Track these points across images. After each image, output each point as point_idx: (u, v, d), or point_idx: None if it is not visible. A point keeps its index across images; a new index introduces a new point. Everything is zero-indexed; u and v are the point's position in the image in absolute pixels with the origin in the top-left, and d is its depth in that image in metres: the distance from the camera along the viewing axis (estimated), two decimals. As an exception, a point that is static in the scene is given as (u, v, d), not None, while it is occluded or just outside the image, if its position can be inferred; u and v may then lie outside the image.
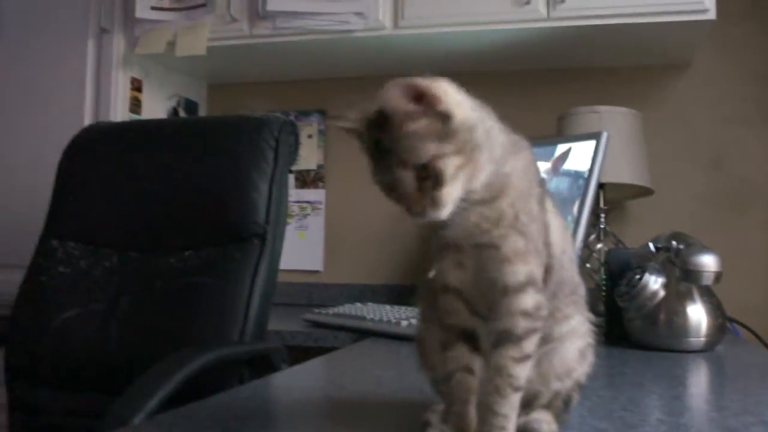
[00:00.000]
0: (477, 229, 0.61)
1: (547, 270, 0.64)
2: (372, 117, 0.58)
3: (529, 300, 0.61)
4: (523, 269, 0.61)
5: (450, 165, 0.56)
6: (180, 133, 1.56)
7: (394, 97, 0.56)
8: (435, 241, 0.64)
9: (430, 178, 0.56)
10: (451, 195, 0.57)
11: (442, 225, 0.60)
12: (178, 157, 1.50)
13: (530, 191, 0.63)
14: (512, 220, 0.61)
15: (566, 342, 0.68)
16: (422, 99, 0.56)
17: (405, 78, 0.57)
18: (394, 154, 0.57)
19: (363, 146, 0.59)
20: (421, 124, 0.56)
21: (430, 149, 0.56)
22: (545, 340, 0.64)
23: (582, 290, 0.71)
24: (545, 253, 0.63)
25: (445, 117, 0.56)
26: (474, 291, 0.63)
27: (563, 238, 0.69)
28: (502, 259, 0.61)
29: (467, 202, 0.59)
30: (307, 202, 2.53)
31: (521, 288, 0.61)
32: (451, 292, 0.64)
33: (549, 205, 0.67)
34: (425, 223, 0.58)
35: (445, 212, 0.57)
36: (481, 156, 0.58)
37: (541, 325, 0.62)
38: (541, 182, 0.67)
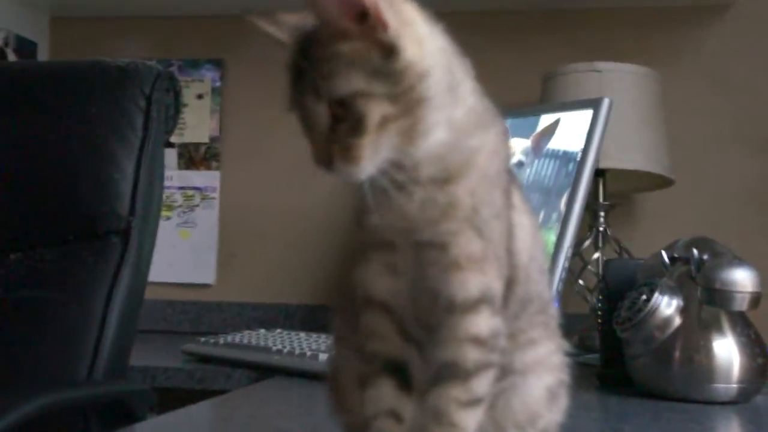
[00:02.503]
0: (419, 219, 0.61)
1: (510, 284, 0.64)
2: (306, 27, 0.60)
3: (482, 323, 0.62)
4: (476, 280, 0.62)
5: (375, 110, 0.57)
6: (7, 84, 1.53)
7: (329, 4, 0.57)
8: (360, 235, 0.64)
9: (347, 120, 0.57)
10: (370, 149, 0.58)
11: (368, 208, 0.61)
12: (1, 119, 1.48)
13: (498, 179, 0.64)
14: (469, 213, 0.62)
15: (530, 377, 0.69)
16: (365, 18, 0.57)
17: None
18: (308, 79, 0.58)
19: (286, 66, 0.61)
20: (351, 48, 0.57)
21: (353, 82, 0.57)
22: (503, 372, 0.65)
23: (554, 310, 0.72)
24: (507, 262, 0.64)
25: (388, 49, 0.57)
26: (408, 307, 0.63)
27: (533, 242, 0.70)
28: (450, 263, 0.61)
29: (406, 174, 0.60)
30: (195, 188, 2.50)
31: (473, 306, 0.62)
32: (377, 307, 0.64)
33: (517, 198, 0.68)
34: (335, 181, 0.59)
35: (359, 171, 0.58)
36: (430, 114, 0.59)
37: (497, 358, 0.63)
38: (510, 170, 0.68)
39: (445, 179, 0.61)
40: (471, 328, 0.61)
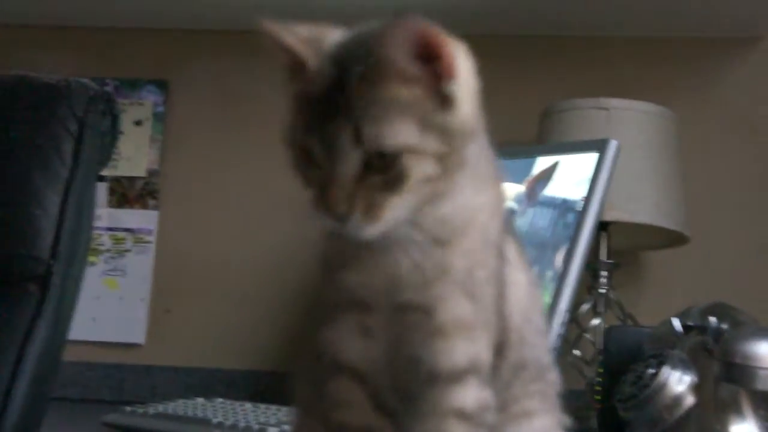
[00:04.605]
0: (407, 280, 0.62)
1: (500, 349, 0.65)
2: (339, 48, 0.60)
3: (469, 395, 0.62)
4: (464, 349, 0.62)
5: (420, 170, 0.58)
6: None
7: (392, 37, 0.58)
8: (329, 292, 0.65)
9: (386, 174, 0.58)
10: (398, 209, 0.59)
11: (345, 263, 0.61)
12: None
13: (495, 238, 0.66)
14: (462, 277, 0.63)
15: (524, 456, 0.69)
16: (430, 61, 0.58)
17: (416, 18, 0.58)
18: (347, 117, 0.58)
19: (296, 84, 0.61)
20: (409, 93, 0.58)
21: (406, 135, 0.58)
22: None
23: (553, 376, 0.73)
24: (497, 326, 0.65)
25: (447, 101, 0.59)
26: (384, 374, 0.63)
27: (529, 301, 0.71)
28: (436, 329, 0.62)
29: (408, 234, 0.60)
30: (127, 230, 2.50)
31: (459, 376, 0.62)
32: (347, 374, 0.65)
33: (511, 252, 0.69)
34: (337, 235, 0.59)
35: (376, 229, 0.59)
36: (462, 178, 0.61)
37: None
38: (506, 218, 0.69)
39: (442, 241, 0.62)
40: (456, 401, 0.62)
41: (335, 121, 0.58)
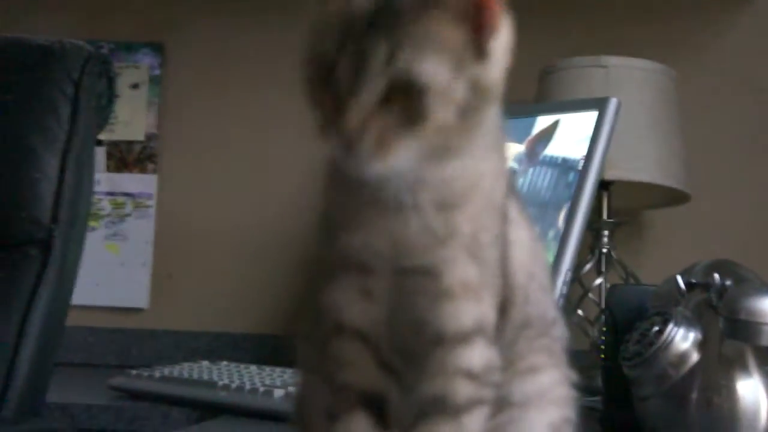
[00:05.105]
0: (411, 245, 0.62)
1: (504, 308, 0.65)
2: None
3: (476, 356, 0.63)
4: (471, 310, 0.63)
5: (441, 115, 0.58)
6: None
7: None
8: (330, 253, 0.65)
9: (404, 108, 0.58)
10: (408, 152, 0.59)
11: (348, 224, 0.61)
12: None
13: (499, 202, 0.67)
14: (468, 240, 0.63)
15: (531, 411, 0.70)
16: (480, 8, 0.59)
17: None
18: (386, 37, 0.58)
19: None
20: (453, 34, 0.58)
21: (439, 74, 0.58)
22: (499, 406, 0.66)
23: (559, 331, 0.73)
24: (501, 286, 0.65)
25: (484, 55, 0.60)
26: (387, 336, 0.64)
27: (532, 258, 0.71)
28: (442, 293, 0.63)
29: (411, 192, 0.60)
30: (127, 194, 2.49)
31: (466, 338, 0.63)
32: (350, 335, 0.65)
33: (513, 210, 0.69)
34: (341, 169, 0.59)
35: (381, 166, 0.59)
36: (475, 139, 0.62)
37: (490, 394, 0.64)
38: (510, 178, 0.69)
39: (448, 205, 0.62)
40: (463, 362, 0.62)
41: (372, 39, 0.58)
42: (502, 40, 0.62)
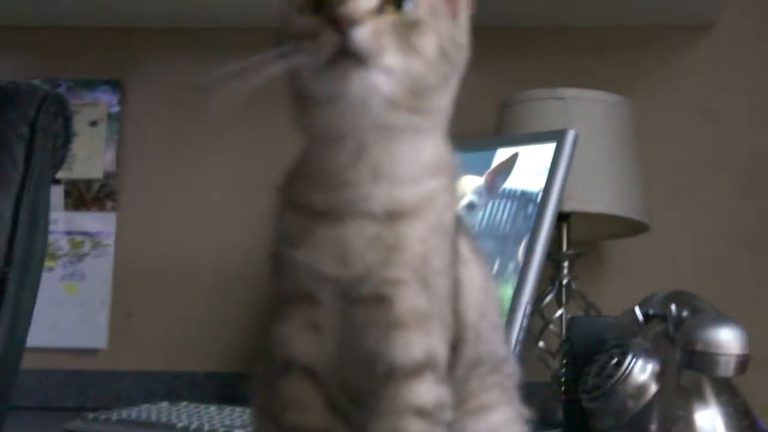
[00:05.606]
0: (358, 260, 0.62)
1: (456, 346, 0.65)
2: None
3: (426, 392, 0.62)
4: (421, 342, 0.62)
5: (431, 39, 0.64)
6: None
7: None
8: (280, 285, 0.64)
9: (400, 21, 0.61)
10: (398, 60, 0.61)
11: (296, 238, 0.61)
12: None
13: (449, 229, 0.67)
14: (418, 261, 0.63)
15: (484, 450, 0.70)
16: None
17: None
18: None
19: None
20: None
21: (429, 3, 0.64)
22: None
23: (511, 368, 0.73)
24: (452, 323, 0.65)
25: (457, 18, 0.68)
26: (336, 371, 0.63)
27: (484, 297, 0.71)
28: (393, 321, 0.62)
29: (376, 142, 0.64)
30: (85, 233, 2.47)
31: (416, 372, 0.62)
32: (298, 371, 0.64)
33: (465, 248, 0.69)
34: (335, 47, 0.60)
35: (376, 60, 0.60)
36: (441, 114, 0.69)
37: None
38: (458, 215, 0.70)
39: (398, 214, 0.62)
40: (414, 398, 0.62)
41: None
42: (464, 17, 0.68)
